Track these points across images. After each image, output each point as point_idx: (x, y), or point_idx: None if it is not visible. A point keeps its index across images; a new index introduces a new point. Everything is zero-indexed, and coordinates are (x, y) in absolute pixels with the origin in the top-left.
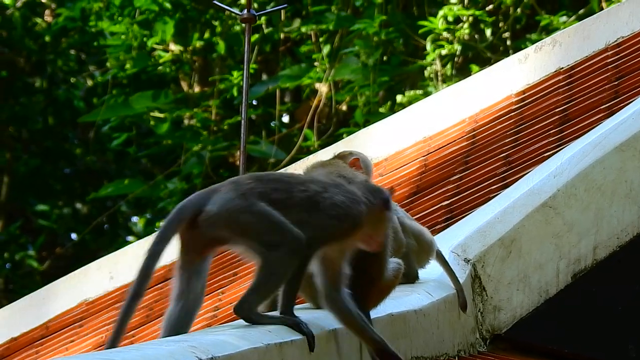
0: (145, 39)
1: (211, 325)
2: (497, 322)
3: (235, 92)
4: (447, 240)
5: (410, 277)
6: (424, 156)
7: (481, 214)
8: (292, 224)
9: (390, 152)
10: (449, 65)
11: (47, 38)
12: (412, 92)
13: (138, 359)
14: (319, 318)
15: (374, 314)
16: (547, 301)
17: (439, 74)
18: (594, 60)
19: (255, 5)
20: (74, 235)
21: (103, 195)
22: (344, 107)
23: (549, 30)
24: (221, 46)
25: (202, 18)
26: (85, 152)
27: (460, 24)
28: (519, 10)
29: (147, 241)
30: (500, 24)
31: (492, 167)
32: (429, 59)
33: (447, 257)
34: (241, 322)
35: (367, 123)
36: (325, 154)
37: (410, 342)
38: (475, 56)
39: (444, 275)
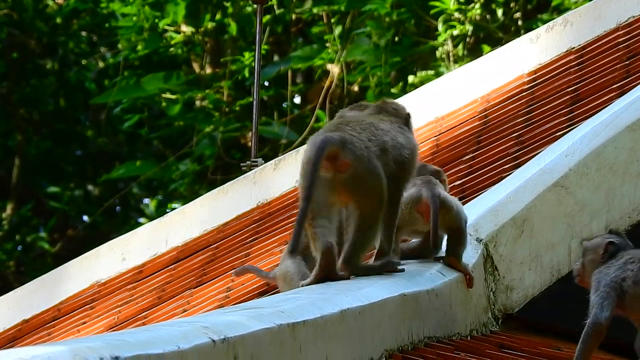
0: (156, 20)
1: (223, 306)
2: (509, 301)
3: (247, 74)
4: None
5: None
6: (436, 136)
7: (493, 193)
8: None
9: None
10: (460, 46)
11: (58, 20)
12: (424, 73)
13: (151, 340)
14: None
15: (387, 294)
16: (559, 280)
17: (450, 54)
18: (606, 40)
19: None
20: (85, 218)
21: (115, 177)
22: (355, 88)
23: (560, 10)
24: (233, 27)
25: None
26: (97, 134)
27: (472, 4)
28: None
29: (160, 221)
30: (512, 4)
31: (504, 146)
32: (440, 39)
33: None
34: (253, 302)
35: None
36: None
37: (423, 322)
38: (486, 36)
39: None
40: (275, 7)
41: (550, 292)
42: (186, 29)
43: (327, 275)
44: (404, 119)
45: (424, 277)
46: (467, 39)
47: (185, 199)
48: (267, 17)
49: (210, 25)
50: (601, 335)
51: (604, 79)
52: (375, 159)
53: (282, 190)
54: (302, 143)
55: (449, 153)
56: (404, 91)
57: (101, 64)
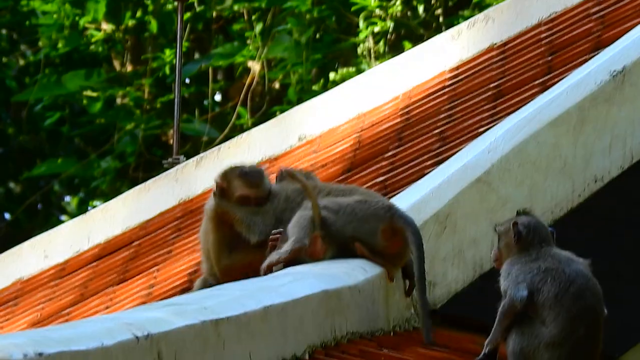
0: (77, 18)
1: (146, 302)
2: (432, 297)
3: (167, 71)
4: None
5: None
6: (357, 133)
7: (415, 190)
8: None
9: (323, 130)
10: (381, 43)
11: None
12: (345, 70)
13: (75, 337)
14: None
15: (309, 290)
16: (481, 276)
17: (372, 51)
18: (527, 36)
19: None
20: (7, 215)
21: (36, 174)
22: (277, 85)
23: (481, 6)
24: (153, 25)
25: None
26: (18, 132)
27: (393, 1)
28: None
29: (82, 219)
30: (433, 1)
31: (427, 143)
32: (361, 36)
33: None
34: (176, 299)
35: (300, 101)
36: (259, 133)
37: (345, 318)
38: (408, 33)
39: None
40: (195, 4)
41: (474, 288)
42: (107, 27)
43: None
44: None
45: (346, 274)
46: (389, 36)
47: (107, 196)
48: (188, 14)
49: (130, 22)
50: (514, 315)
51: (526, 75)
52: None
53: (204, 187)
54: (223, 140)
55: (370, 150)
56: (325, 88)
57: (22, 62)
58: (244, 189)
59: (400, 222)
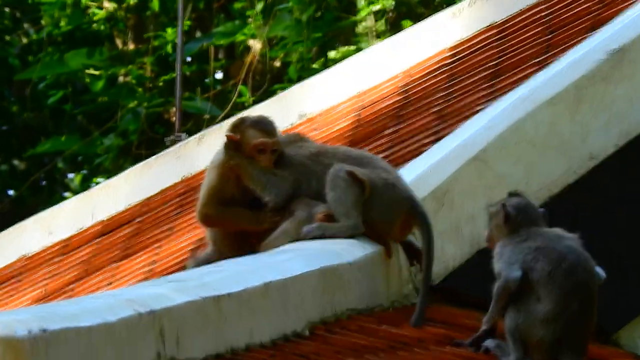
0: None
1: (148, 279)
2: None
3: (169, 49)
4: None
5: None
6: (357, 111)
7: (414, 166)
8: None
9: (324, 107)
10: (382, 21)
11: None
12: (345, 48)
13: (78, 313)
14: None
15: (310, 267)
16: (479, 252)
17: (372, 29)
18: (526, 15)
19: None
20: (11, 192)
21: (40, 152)
22: (277, 64)
23: None
24: (155, 3)
25: None
26: (22, 110)
27: None
28: None
29: (86, 195)
30: None
31: (425, 120)
32: (362, 14)
33: None
34: (177, 275)
35: (300, 79)
36: (259, 110)
37: (345, 294)
38: (408, 11)
39: None
40: None
41: (471, 264)
42: (109, 5)
43: None
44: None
45: (345, 250)
46: (389, 14)
47: (110, 173)
48: None
49: (132, 1)
50: (509, 295)
51: (524, 54)
52: None
53: (205, 164)
54: (225, 118)
55: (370, 127)
56: (325, 66)
57: (25, 40)
58: (259, 137)
59: (418, 217)
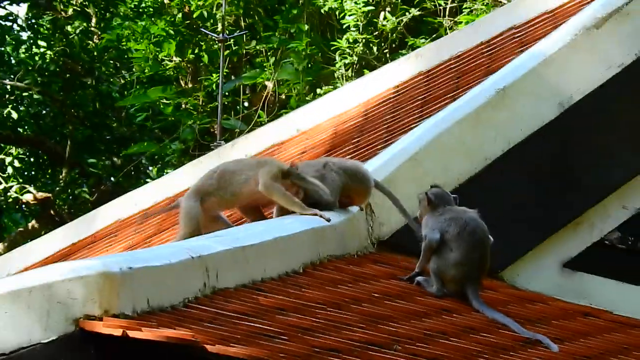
0: (157, 53)
1: None
2: (381, 232)
3: (214, 87)
4: None
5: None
6: (334, 127)
7: (370, 164)
8: None
9: (313, 124)
10: (350, 70)
11: (95, 53)
12: (327, 87)
13: (152, 257)
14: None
15: (305, 227)
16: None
17: (344, 75)
18: (444, 66)
19: (227, 31)
20: (112, 178)
21: (130, 153)
22: (283, 97)
23: (414, 47)
24: (205, 58)
25: (194, 39)
26: (119, 125)
27: (357, 44)
28: (394, 35)
29: (159, 182)
30: (383, 44)
31: (379, 134)
32: (337, 66)
33: None
34: (218, 232)
35: (298, 107)
36: (271, 127)
37: (326, 246)
38: (367, 64)
39: None
40: (232, 44)
41: (408, 228)
42: (176, 59)
43: None
44: None
45: (331, 216)
46: (355, 66)
47: (175, 167)
48: (227, 51)
49: (191, 56)
50: (432, 250)
51: (442, 90)
52: None
53: None
54: (249, 131)
55: (342, 137)
56: (314, 99)
57: (122, 81)
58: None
59: (382, 190)
